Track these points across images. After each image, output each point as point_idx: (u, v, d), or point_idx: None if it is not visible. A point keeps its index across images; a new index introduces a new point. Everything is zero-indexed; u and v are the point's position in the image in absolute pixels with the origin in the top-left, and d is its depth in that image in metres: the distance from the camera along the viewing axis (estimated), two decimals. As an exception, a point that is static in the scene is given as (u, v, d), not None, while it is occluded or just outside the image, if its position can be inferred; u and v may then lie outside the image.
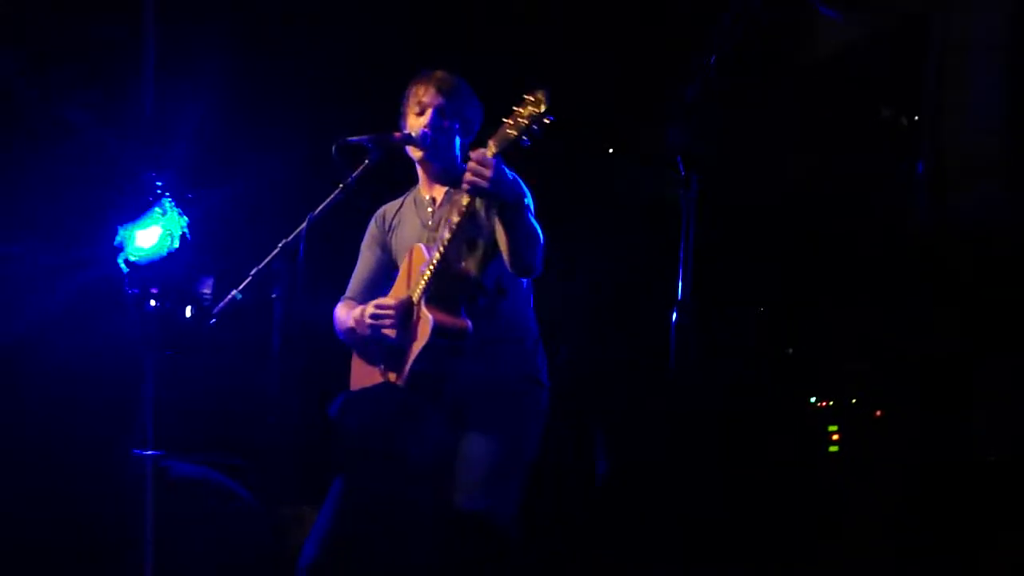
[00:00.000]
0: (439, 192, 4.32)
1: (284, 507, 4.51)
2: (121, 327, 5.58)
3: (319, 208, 4.19)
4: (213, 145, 6.09)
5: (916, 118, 6.70)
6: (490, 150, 3.80)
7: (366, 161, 4.21)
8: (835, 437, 6.78)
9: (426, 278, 3.99)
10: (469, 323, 3.98)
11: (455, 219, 3.94)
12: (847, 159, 6.50)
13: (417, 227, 4.32)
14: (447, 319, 3.96)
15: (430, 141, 4.21)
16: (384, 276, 4.42)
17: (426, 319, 3.95)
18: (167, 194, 5.45)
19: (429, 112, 4.22)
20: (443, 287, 3.99)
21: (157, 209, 5.47)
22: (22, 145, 5.30)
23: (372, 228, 4.50)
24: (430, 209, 4.31)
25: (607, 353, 5.09)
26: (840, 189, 6.51)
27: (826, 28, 5.94)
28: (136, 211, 5.49)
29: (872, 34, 6.05)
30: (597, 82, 6.10)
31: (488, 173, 3.73)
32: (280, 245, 4.22)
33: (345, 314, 4.28)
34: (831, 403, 6.91)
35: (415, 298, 4.04)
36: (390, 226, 4.44)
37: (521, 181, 3.95)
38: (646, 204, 6.07)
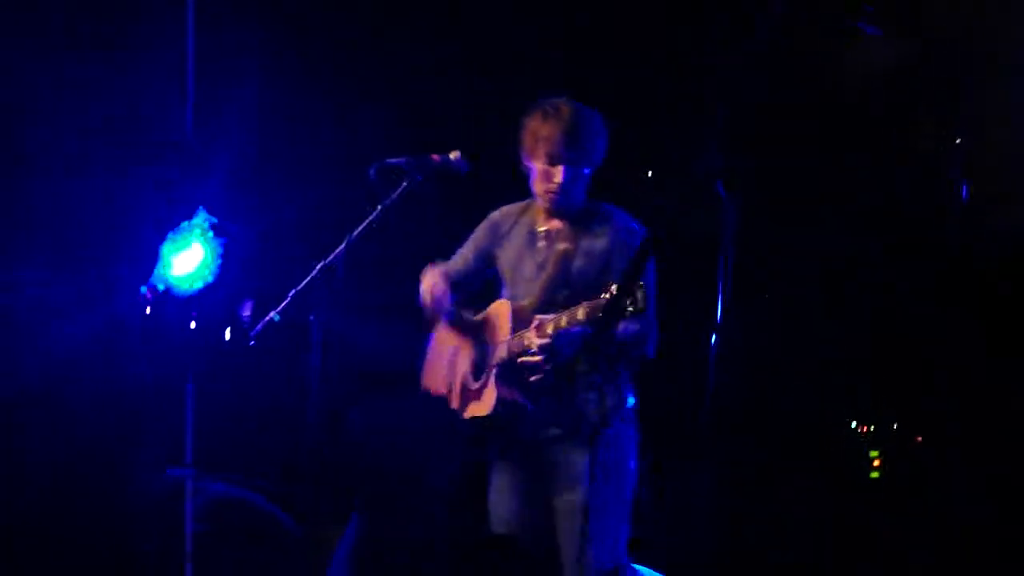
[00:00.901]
0: (556, 226, 4.28)
1: (328, 529, 4.51)
2: (158, 350, 5.61)
3: (357, 229, 4.18)
4: (251, 166, 6.11)
5: (958, 140, 6.66)
6: (544, 331, 3.87)
7: (404, 183, 4.20)
8: (876, 463, 6.72)
9: (500, 354, 4.08)
10: (530, 405, 4.03)
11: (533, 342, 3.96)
12: (885, 180, 6.46)
13: (525, 257, 4.32)
14: (510, 396, 4.05)
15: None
16: (476, 278, 4.49)
17: (491, 391, 4.07)
18: (205, 215, 5.48)
19: (560, 170, 4.14)
20: (514, 372, 4.05)
21: (196, 230, 5.50)
22: (51, 166, 5.35)
23: (484, 229, 4.51)
24: (542, 244, 4.28)
25: (647, 379, 5.06)
26: (878, 209, 6.47)
27: (866, 48, 5.90)
28: (173, 232, 5.51)
29: (913, 54, 6.01)
30: (631, 104, 6.09)
31: (543, 365, 3.86)
32: (319, 267, 4.21)
33: (431, 283, 4.39)
34: (872, 428, 6.86)
35: (492, 359, 4.13)
36: (501, 238, 4.44)
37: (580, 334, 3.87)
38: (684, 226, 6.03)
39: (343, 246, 4.14)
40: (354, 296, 4.10)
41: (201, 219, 5.54)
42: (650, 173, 6.27)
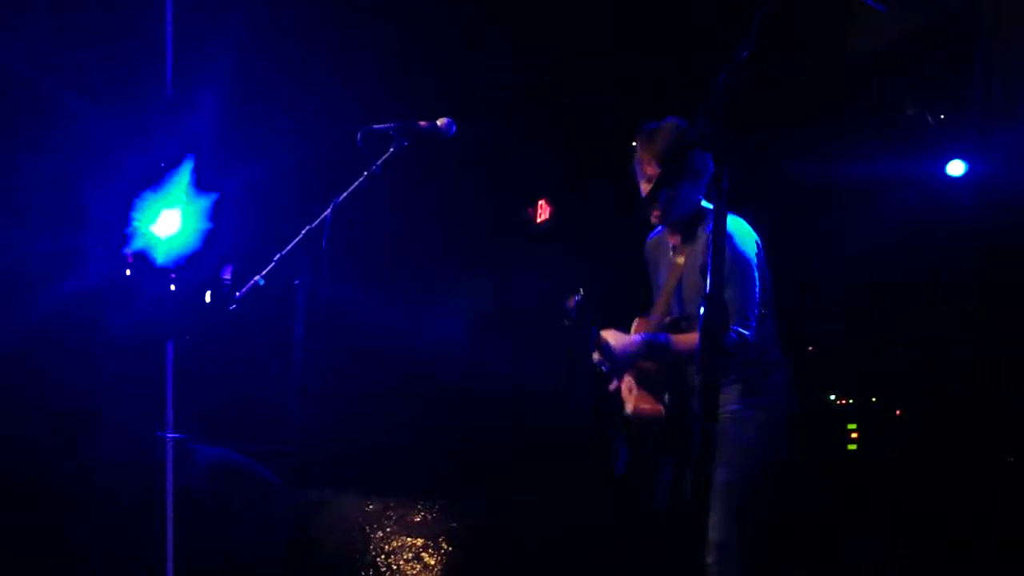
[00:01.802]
0: (676, 240, 4.30)
1: (309, 491, 4.52)
2: (138, 312, 5.59)
3: (343, 194, 4.16)
4: (235, 129, 6.07)
5: (942, 116, 6.69)
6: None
7: (391, 148, 4.18)
8: (854, 435, 6.77)
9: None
10: (663, 408, 4.10)
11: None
12: (880, 155, 6.48)
13: (662, 271, 4.36)
14: (647, 407, 4.11)
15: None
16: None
17: (629, 402, 4.17)
18: (189, 175, 5.45)
19: (648, 190, 4.21)
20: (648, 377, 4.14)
21: (180, 192, 5.47)
22: (35, 126, 5.31)
23: (646, 260, 4.56)
24: (671, 254, 4.32)
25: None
26: (871, 186, 6.49)
27: (870, 22, 5.90)
28: (156, 192, 5.49)
29: (918, 30, 6.01)
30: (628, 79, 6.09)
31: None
32: (304, 231, 4.19)
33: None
34: (851, 401, 6.90)
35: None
36: (648, 262, 4.51)
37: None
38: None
39: (329, 210, 4.11)
40: (339, 260, 4.08)
41: (185, 179, 5.51)
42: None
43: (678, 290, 4.18)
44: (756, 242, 4.09)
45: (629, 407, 4.20)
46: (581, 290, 4.05)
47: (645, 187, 4.27)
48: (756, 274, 4.02)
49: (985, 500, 5.98)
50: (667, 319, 4.18)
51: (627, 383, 4.25)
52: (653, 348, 4.01)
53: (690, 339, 3.97)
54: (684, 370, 4.07)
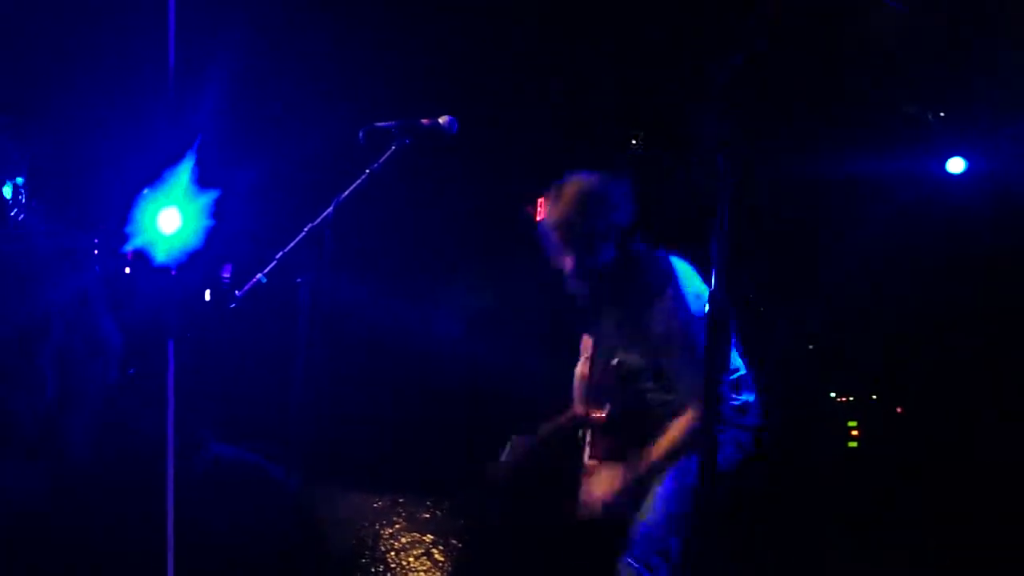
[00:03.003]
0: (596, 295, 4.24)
1: (315, 489, 4.54)
2: (139, 310, 5.58)
3: (345, 192, 4.15)
4: (236, 126, 6.07)
5: (942, 114, 6.69)
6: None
7: (393, 147, 4.17)
8: (855, 433, 6.78)
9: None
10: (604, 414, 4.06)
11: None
12: (880, 153, 6.48)
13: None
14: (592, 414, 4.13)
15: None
16: None
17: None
18: (190, 172, 5.45)
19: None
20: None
21: (179, 187, 5.47)
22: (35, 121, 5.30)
23: None
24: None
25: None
26: (871, 183, 6.50)
27: (871, 20, 5.89)
28: (157, 189, 5.49)
29: (918, 27, 6.01)
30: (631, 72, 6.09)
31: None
32: (306, 229, 4.18)
33: None
34: (851, 399, 6.91)
35: None
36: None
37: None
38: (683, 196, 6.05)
39: (331, 208, 4.11)
40: (342, 259, 4.07)
41: (186, 177, 5.51)
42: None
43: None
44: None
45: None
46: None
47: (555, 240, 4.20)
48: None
49: (986, 497, 5.99)
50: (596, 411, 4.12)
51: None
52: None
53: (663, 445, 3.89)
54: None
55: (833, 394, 6.93)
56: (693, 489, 3.76)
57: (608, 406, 4.02)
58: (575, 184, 4.17)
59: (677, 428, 3.80)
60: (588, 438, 4.20)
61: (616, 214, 4.10)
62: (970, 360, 6.64)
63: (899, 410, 6.83)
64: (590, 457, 4.17)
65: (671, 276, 3.90)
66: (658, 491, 3.83)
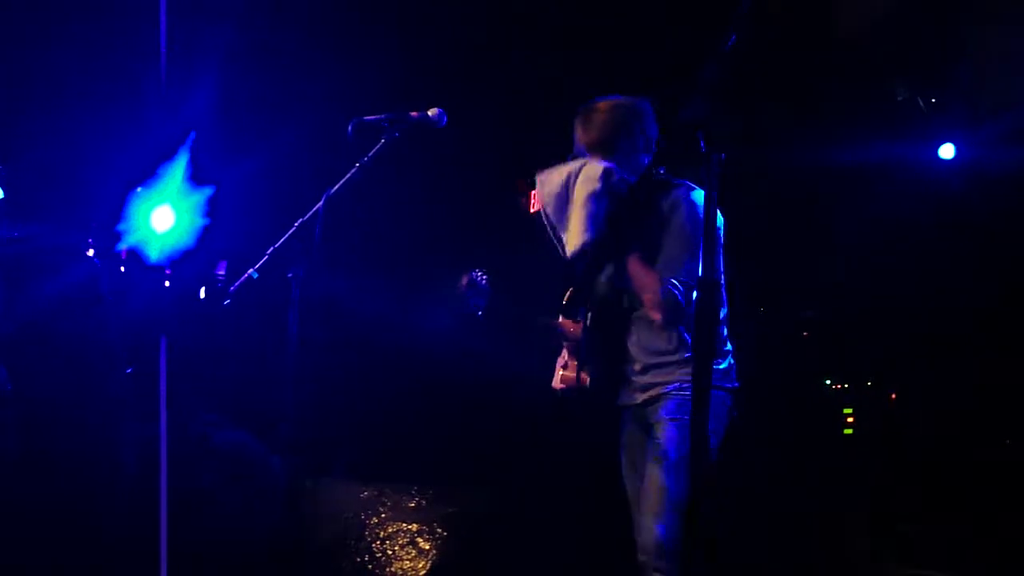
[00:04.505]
0: None
1: (303, 479, 4.56)
2: (132, 307, 5.59)
3: (335, 186, 4.16)
4: (226, 123, 6.08)
5: (933, 100, 6.70)
6: None
7: (382, 139, 4.17)
8: (850, 420, 6.79)
9: None
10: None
11: None
12: (872, 139, 6.49)
13: None
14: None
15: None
16: None
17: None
18: (184, 169, 5.46)
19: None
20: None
21: (173, 185, 5.48)
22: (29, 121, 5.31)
23: None
24: None
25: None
26: (863, 170, 6.51)
27: (861, 5, 5.90)
28: (150, 188, 5.50)
29: (909, 13, 6.01)
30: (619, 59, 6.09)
31: None
32: (296, 224, 4.19)
33: None
34: (846, 386, 6.92)
35: None
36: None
37: None
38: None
39: (321, 203, 4.11)
40: (332, 253, 4.08)
41: (179, 175, 5.52)
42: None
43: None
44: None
45: (557, 378, 4.25)
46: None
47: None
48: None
49: (982, 483, 6.00)
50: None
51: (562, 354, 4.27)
52: None
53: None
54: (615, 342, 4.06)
55: (828, 381, 6.94)
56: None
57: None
58: (609, 103, 4.16)
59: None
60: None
61: (651, 126, 4.15)
62: (965, 346, 6.65)
63: (893, 397, 6.84)
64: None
65: (694, 188, 4.00)
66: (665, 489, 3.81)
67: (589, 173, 4.01)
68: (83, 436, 4.86)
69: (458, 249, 6.87)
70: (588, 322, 4.10)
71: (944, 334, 6.65)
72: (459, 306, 4.32)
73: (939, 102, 6.63)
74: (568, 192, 4.07)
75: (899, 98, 6.85)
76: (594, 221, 3.98)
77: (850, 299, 6.83)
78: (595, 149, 4.10)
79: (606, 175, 3.99)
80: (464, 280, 4.22)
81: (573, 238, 4.01)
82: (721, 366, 4.00)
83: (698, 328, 2.84)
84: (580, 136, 4.17)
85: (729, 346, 4.09)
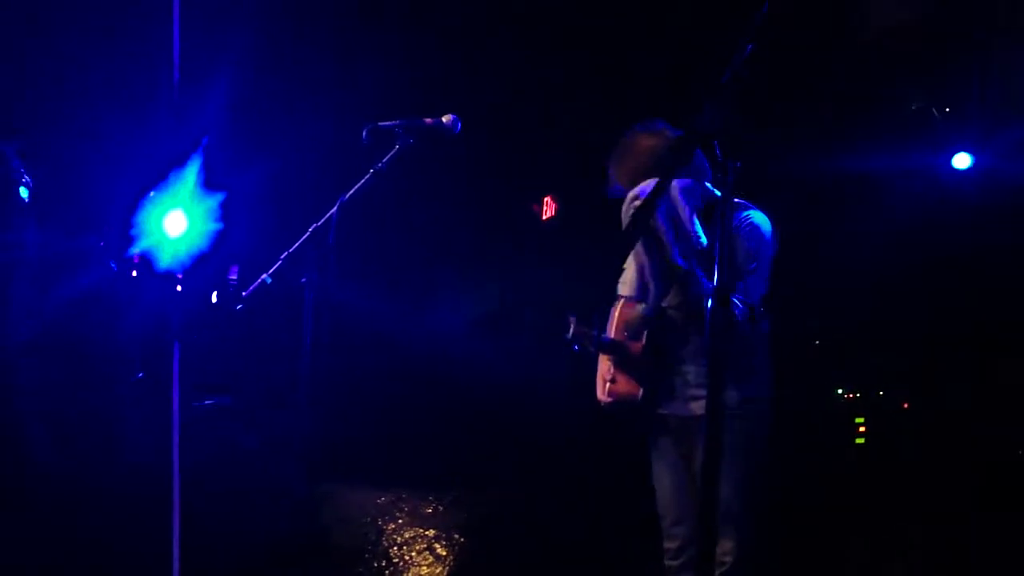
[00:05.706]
0: None
1: (320, 485, 4.56)
2: (145, 313, 5.60)
3: (349, 192, 4.15)
4: (241, 128, 6.08)
5: (948, 110, 6.68)
6: None
7: (396, 145, 4.17)
8: (862, 429, 6.77)
9: None
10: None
11: None
12: (886, 148, 6.48)
13: None
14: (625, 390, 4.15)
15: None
16: None
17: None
18: (196, 174, 5.46)
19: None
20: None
21: (185, 190, 5.48)
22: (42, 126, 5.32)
23: None
24: None
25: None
26: (878, 179, 6.50)
27: (877, 16, 5.89)
28: (162, 192, 5.50)
29: (925, 23, 6.00)
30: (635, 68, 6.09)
31: None
32: (310, 229, 4.19)
33: None
34: (858, 395, 6.90)
35: None
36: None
37: None
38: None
39: (335, 208, 4.11)
40: (346, 258, 4.08)
41: (192, 180, 5.53)
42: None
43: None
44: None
45: (604, 392, 4.19)
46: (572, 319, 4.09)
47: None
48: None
49: (993, 493, 5.98)
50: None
51: (604, 368, 4.24)
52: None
53: None
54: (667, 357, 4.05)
55: (840, 391, 6.92)
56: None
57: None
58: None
59: None
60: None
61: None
62: (977, 355, 6.63)
63: (905, 406, 6.82)
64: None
65: (754, 208, 4.05)
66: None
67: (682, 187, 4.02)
68: (95, 439, 4.86)
69: (472, 254, 6.87)
70: (645, 338, 4.08)
71: (957, 344, 6.62)
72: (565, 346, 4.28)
73: (954, 111, 6.61)
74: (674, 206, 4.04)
75: (913, 107, 6.83)
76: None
77: (863, 308, 6.81)
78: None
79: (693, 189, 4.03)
80: (572, 328, 4.19)
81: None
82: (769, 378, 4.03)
83: (712, 336, 2.84)
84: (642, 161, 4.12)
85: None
